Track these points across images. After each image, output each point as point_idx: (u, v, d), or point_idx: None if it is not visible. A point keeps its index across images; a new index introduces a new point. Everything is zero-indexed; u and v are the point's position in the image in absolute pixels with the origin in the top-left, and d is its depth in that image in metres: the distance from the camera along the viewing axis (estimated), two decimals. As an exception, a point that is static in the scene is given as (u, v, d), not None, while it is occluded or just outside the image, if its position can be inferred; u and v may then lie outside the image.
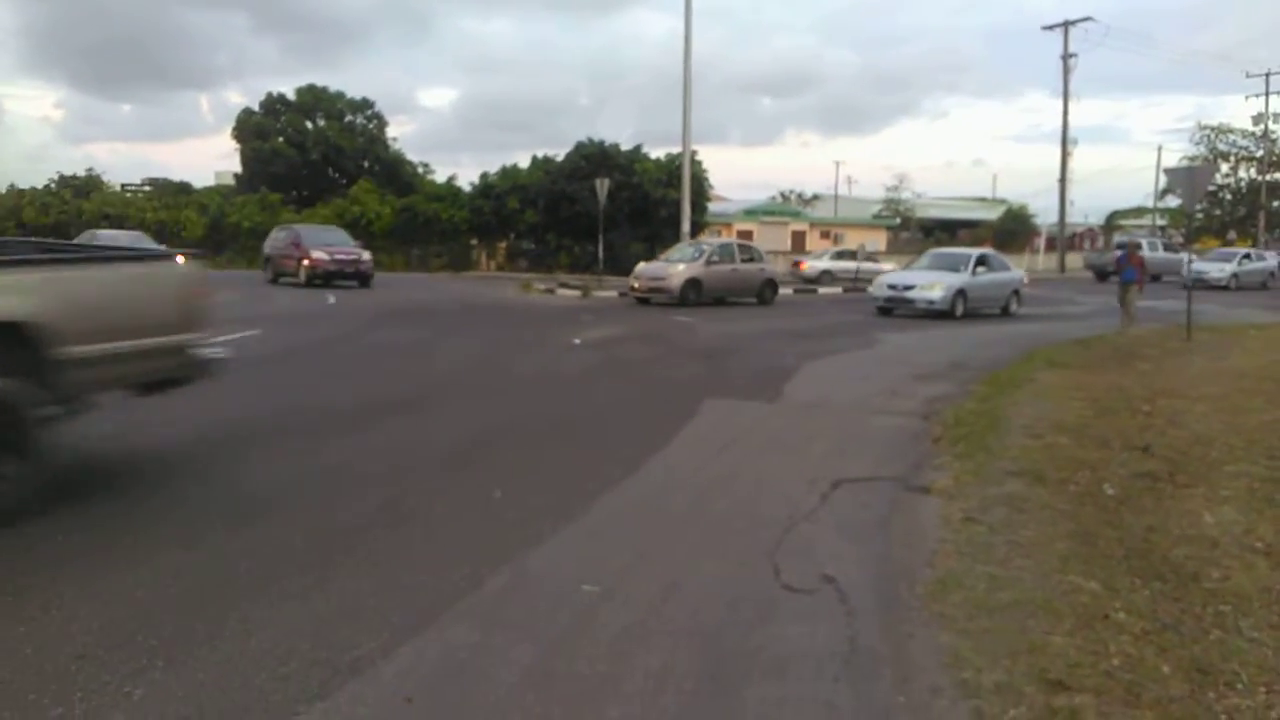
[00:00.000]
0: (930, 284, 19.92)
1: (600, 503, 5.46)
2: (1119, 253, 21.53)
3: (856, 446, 7.30)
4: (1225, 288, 32.20)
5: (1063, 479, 5.88)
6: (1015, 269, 23.92)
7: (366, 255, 28.71)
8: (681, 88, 28.75)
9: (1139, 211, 71.45)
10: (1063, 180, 47.55)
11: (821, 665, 3.41)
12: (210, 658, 3.33)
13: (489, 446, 7.03)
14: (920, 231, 70.34)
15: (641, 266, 24.51)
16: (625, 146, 44.15)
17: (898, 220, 70.04)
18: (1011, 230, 61.97)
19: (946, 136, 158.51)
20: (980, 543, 4.71)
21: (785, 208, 68.56)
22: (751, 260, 24.74)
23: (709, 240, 26.54)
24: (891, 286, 20.74)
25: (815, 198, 78.90)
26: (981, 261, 21.47)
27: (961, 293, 19.98)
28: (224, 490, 5.59)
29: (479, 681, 3.25)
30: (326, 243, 28.71)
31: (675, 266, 23.23)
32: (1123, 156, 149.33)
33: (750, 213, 60.47)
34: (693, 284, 22.53)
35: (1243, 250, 37.96)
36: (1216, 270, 33.51)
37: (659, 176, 41.94)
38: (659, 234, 39.96)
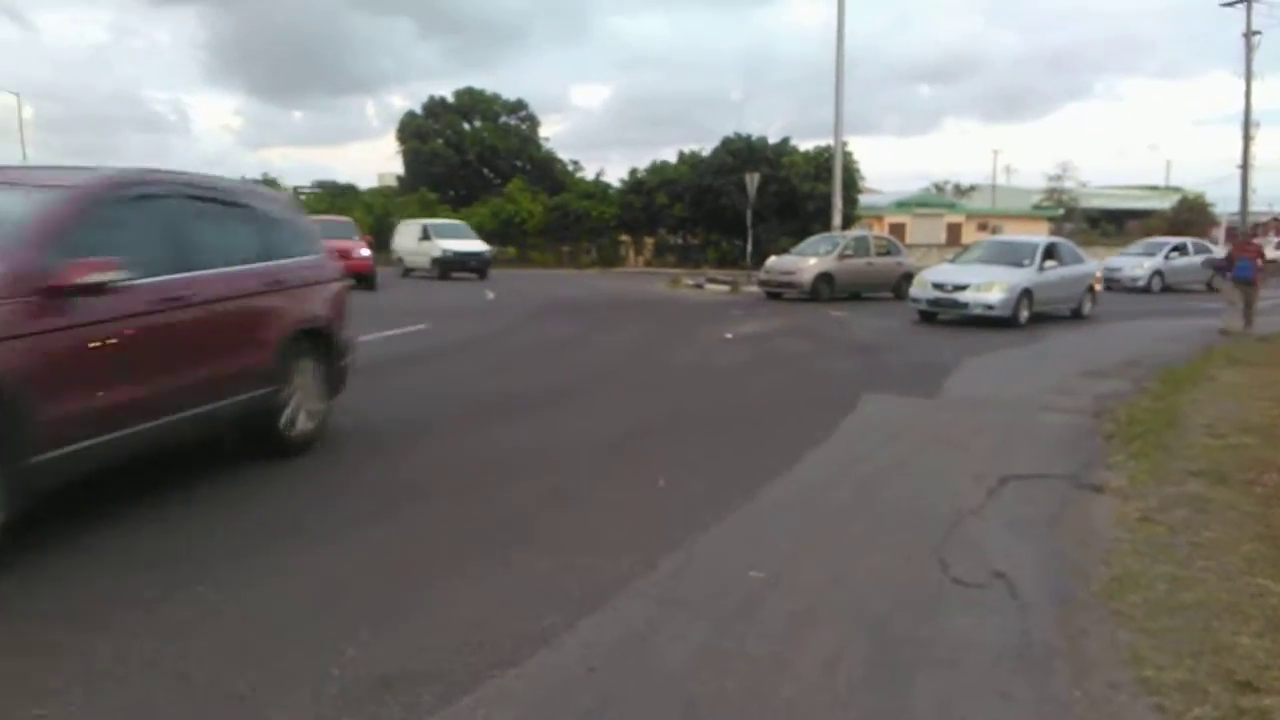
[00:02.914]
0: (988, 283, 16.16)
1: (763, 493, 5.55)
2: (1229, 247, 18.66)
3: (1023, 443, 7.13)
4: (1145, 290, 26.40)
5: (1249, 480, 5.61)
6: (1089, 260, 20.03)
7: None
8: (834, 78, 28.38)
9: (1333, 197, 65.92)
10: (1244, 166, 44.30)
11: (995, 657, 3.41)
12: (409, 624, 3.61)
13: (649, 436, 7.22)
14: (1085, 222, 67.03)
15: (772, 260, 24.01)
16: (774, 140, 43.92)
17: (1060, 211, 66.91)
18: (1187, 220, 58.20)
19: (1118, 121, 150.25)
20: (1159, 543, 4.57)
21: (940, 199, 66.63)
22: (888, 254, 23.81)
23: (843, 233, 25.68)
24: (938, 286, 16.82)
25: (972, 188, 76.29)
26: (1050, 252, 17.64)
27: (1027, 293, 16.31)
28: (407, 472, 5.96)
29: (656, 656, 3.41)
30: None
31: (806, 260, 22.59)
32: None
33: (903, 204, 58.95)
34: (824, 278, 21.90)
35: (1171, 241, 30.43)
36: (1132, 267, 27.18)
37: (807, 170, 41.53)
38: (807, 228, 39.50)
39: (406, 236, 31.74)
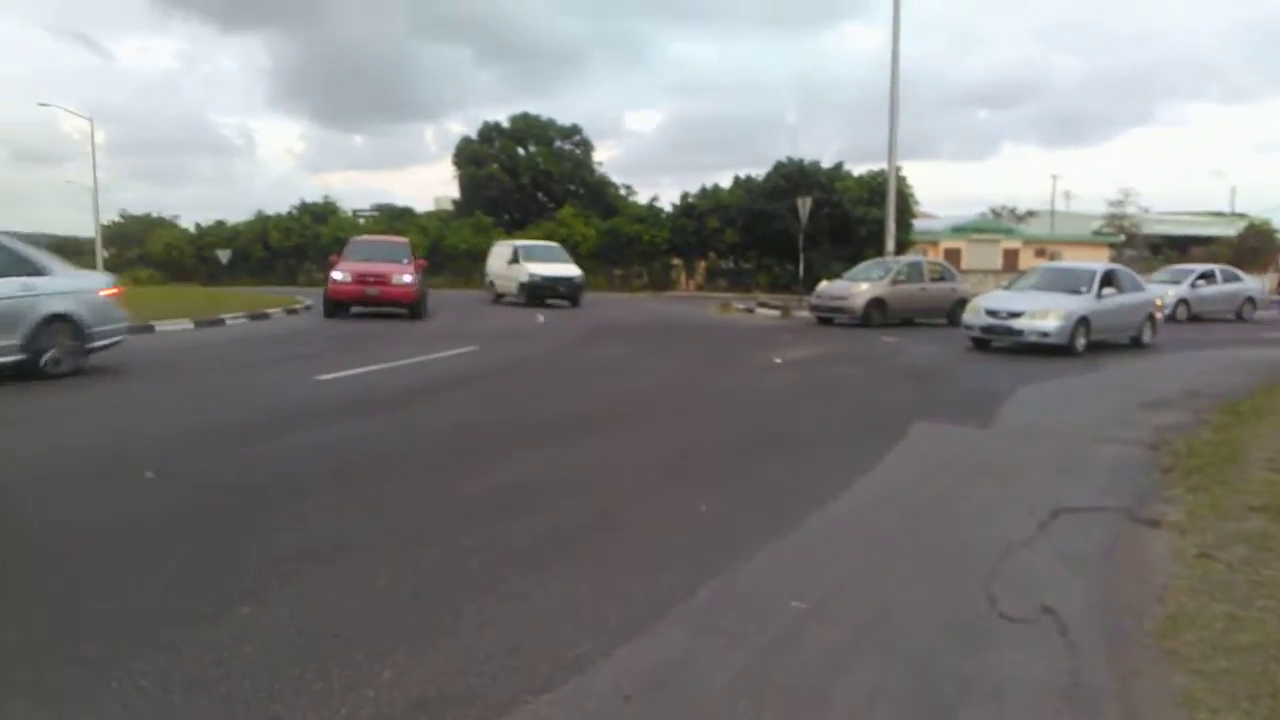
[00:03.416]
0: (1043, 310, 15.77)
1: (808, 520, 5.49)
2: None
3: (1077, 475, 6.97)
4: (1170, 319, 22.05)
5: (1315, 517, 5.41)
6: (1149, 287, 19.56)
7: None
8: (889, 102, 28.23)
9: None
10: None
11: (1041, 697, 3.32)
12: (447, 645, 3.62)
13: (695, 460, 7.19)
14: (1147, 248, 65.66)
15: (824, 285, 23.73)
16: (828, 164, 43.92)
17: (1121, 237, 65.62)
18: (1253, 247, 56.81)
19: (1182, 146, 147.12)
20: (1217, 580, 4.42)
21: (996, 224, 65.70)
22: (942, 279, 23.42)
23: (896, 258, 25.22)
24: (991, 313, 16.41)
25: (1029, 214, 75.17)
26: (1108, 280, 17.10)
27: (1084, 321, 15.87)
28: (450, 491, 5.99)
29: (693, 685, 3.37)
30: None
31: (859, 285, 22.29)
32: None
33: (958, 230, 58.32)
34: (877, 304, 21.61)
35: (1198, 268, 27.47)
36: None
37: (860, 194, 41.37)
38: (860, 253, 39.29)
39: (497, 259, 30.14)
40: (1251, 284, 27.68)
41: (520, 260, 27.93)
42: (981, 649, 3.73)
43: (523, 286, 27.14)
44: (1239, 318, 25.77)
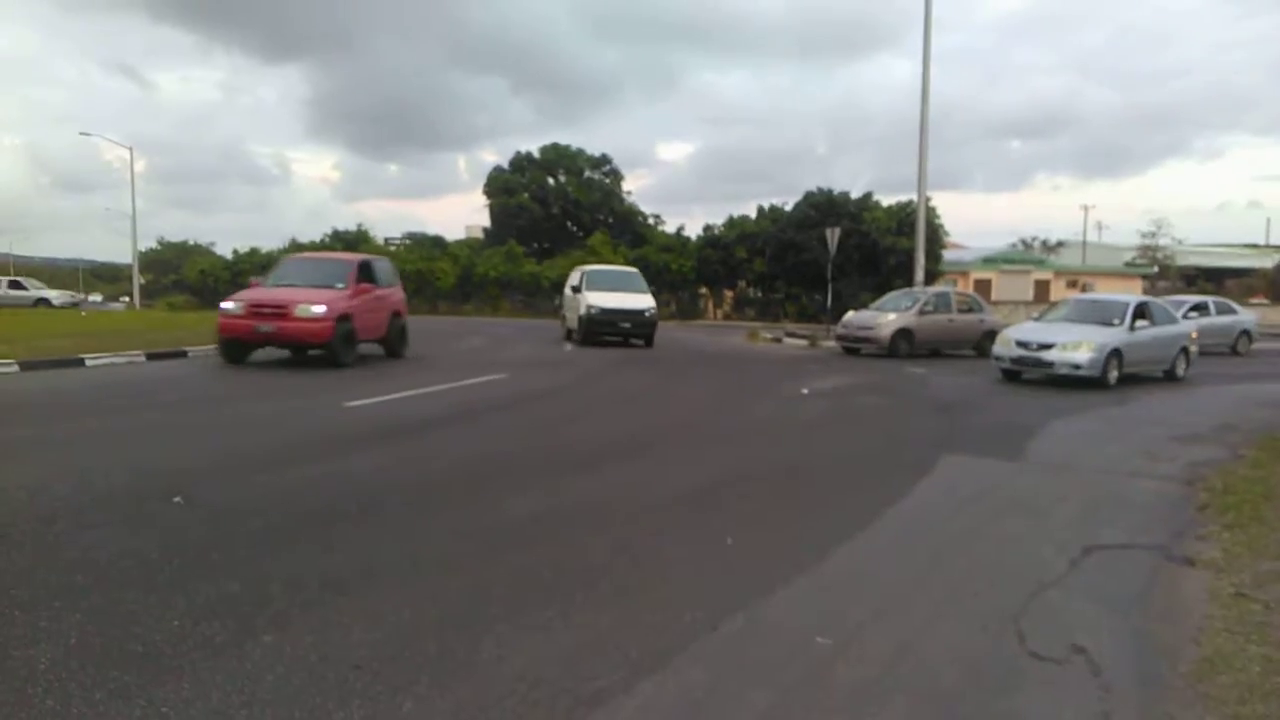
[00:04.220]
0: (1075, 342, 15.54)
1: (834, 554, 5.43)
2: None
3: (1109, 511, 6.85)
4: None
5: (1356, 558, 5.28)
6: (1183, 321, 19.30)
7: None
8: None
9: None
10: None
11: (1072, 739, 3.25)
12: (469, 678, 3.60)
13: (720, 492, 7.14)
14: (1180, 280, 64.96)
15: (850, 315, 23.63)
16: (858, 194, 43.87)
17: (1154, 268, 64.97)
18: (1290, 279, 56.04)
19: (1218, 178, 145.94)
20: (1254, 621, 4.32)
21: (1027, 255, 65.30)
22: (970, 311, 23.22)
23: (924, 289, 24.86)
24: (1022, 344, 16.18)
25: (1060, 244, 74.64)
26: (1141, 312, 16.82)
27: (1116, 353, 15.67)
28: (474, 521, 5.99)
29: (715, 723, 3.33)
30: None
31: (885, 315, 22.18)
32: None
33: (989, 261, 57.99)
34: (903, 334, 21.48)
35: (1190, 299, 26.55)
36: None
37: (889, 224, 41.29)
38: (888, 283, 39.16)
39: (568, 288, 25.63)
40: (1246, 317, 26.99)
41: (583, 288, 23.37)
42: (1011, 689, 3.66)
43: (580, 321, 22.75)
44: (1234, 351, 25.16)
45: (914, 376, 17.38)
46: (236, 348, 15.70)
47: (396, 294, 18.63)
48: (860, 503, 6.76)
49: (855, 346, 22.44)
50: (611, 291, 23.06)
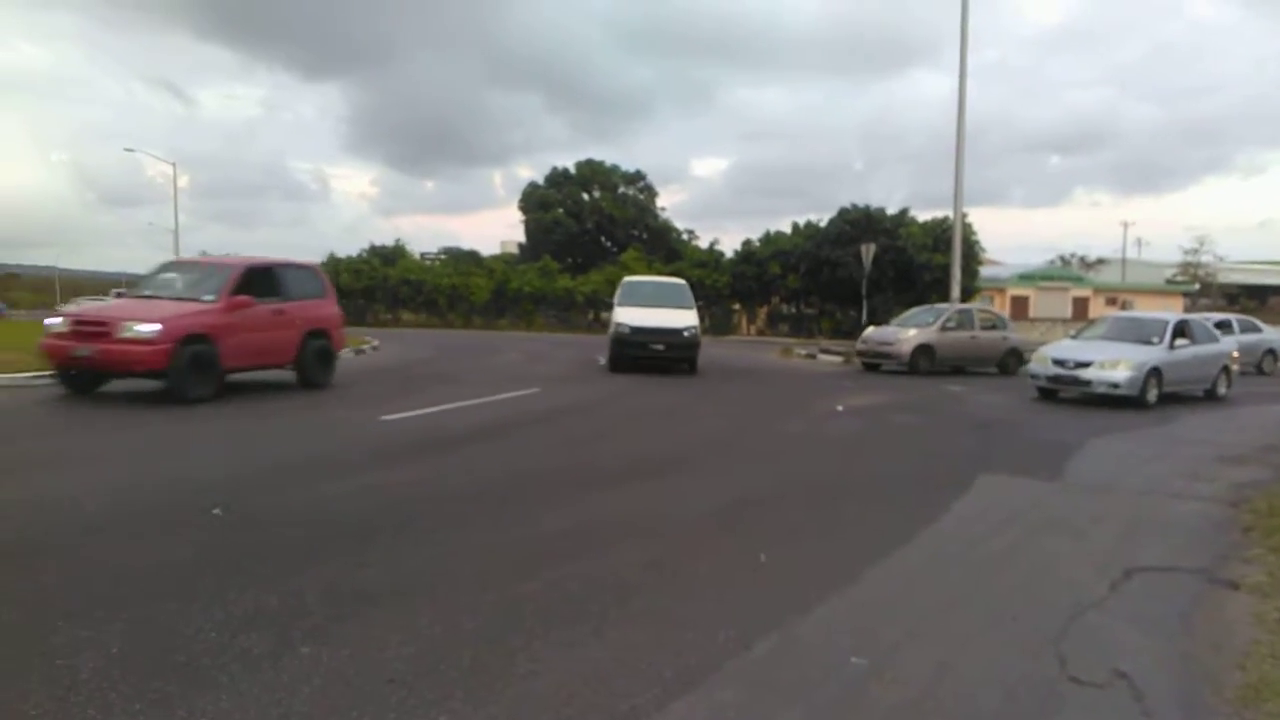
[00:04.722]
0: (1113, 361, 15.32)
1: (869, 573, 5.39)
2: None
3: (1151, 533, 6.74)
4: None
5: None
6: (1224, 339, 18.69)
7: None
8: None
9: None
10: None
11: (1114, 766, 3.19)
12: (502, 693, 3.60)
13: (753, 509, 7.11)
14: (1223, 298, 63.94)
15: (870, 331, 23.36)
16: (893, 210, 43.72)
17: (1196, 286, 64.02)
18: (1337, 296, 54.95)
19: (1261, 194, 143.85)
20: (1303, 648, 4.22)
21: (1065, 272, 64.61)
22: (994, 328, 22.95)
23: (946, 304, 24.57)
24: (1058, 362, 16.01)
25: (1100, 261, 73.79)
26: (1181, 330, 16.58)
27: (1155, 372, 15.43)
28: (507, 536, 6.00)
29: (749, 743, 3.31)
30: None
31: (906, 331, 21.93)
32: None
33: (1026, 277, 57.46)
34: (924, 350, 21.26)
35: (1214, 317, 23.69)
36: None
37: (924, 241, 41.05)
38: (924, 298, 38.90)
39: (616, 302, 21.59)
40: (1272, 335, 26.30)
41: (620, 303, 20.50)
42: (1051, 714, 3.61)
43: (612, 341, 19.77)
44: (1259, 370, 24.57)
45: (950, 394, 17.22)
46: (71, 376, 12.75)
47: (319, 309, 15.29)
48: (896, 521, 6.70)
49: (875, 362, 22.21)
50: (648, 308, 19.81)
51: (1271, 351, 25.43)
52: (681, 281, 22.61)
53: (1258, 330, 26.10)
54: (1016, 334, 23.89)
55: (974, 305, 23.83)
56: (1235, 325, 25.18)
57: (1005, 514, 7.20)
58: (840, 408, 14.48)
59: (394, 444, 9.54)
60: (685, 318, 19.66)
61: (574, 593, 4.86)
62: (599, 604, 4.69)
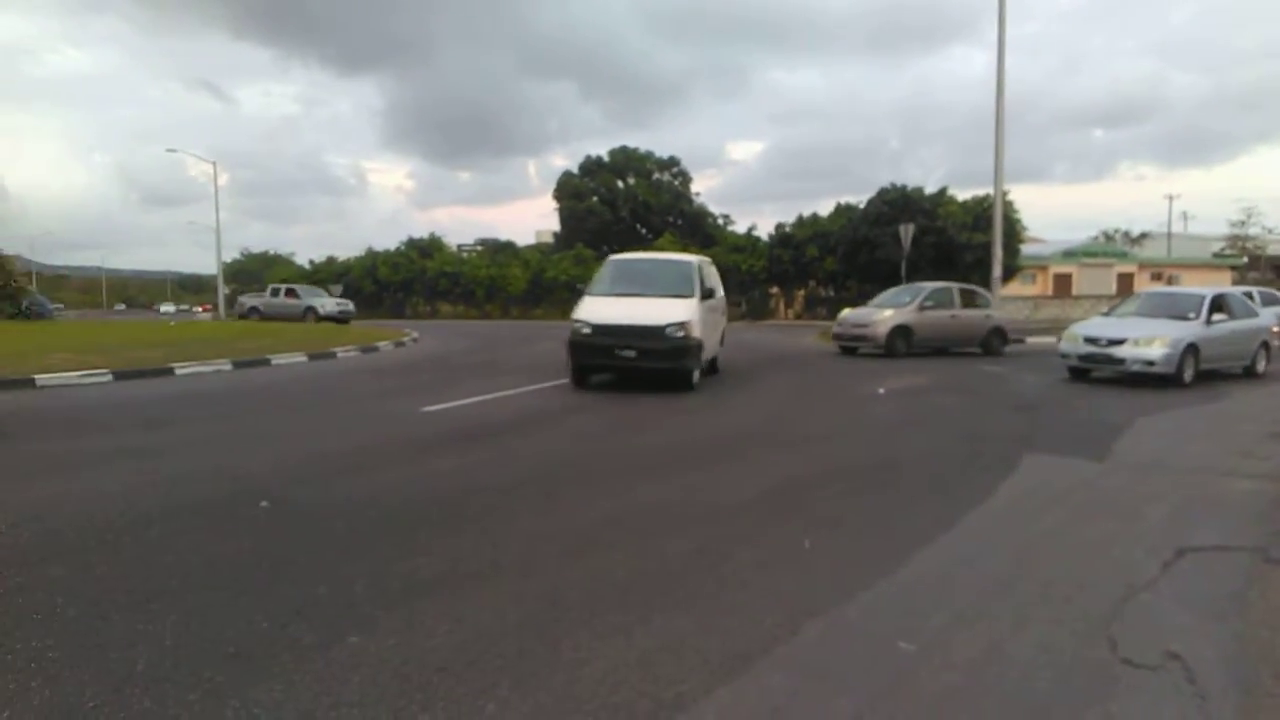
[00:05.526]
0: (1148, 338, 14.84)
1: (915, 558, 5.34)
2: None
3: (1202, 512, 6.61)
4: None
5: None
6: (1264, 312, 18.19)
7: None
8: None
9: None
10: None
11: (1170, 750, 3.14)
12: (549, 681, 3.62)
13: (797, 494, 7.07)
14: (1271, 271, 62.50)
15: (846, 312, 22.83)
16: (932, 189, 43.17)
17: (1244, 259, 62.62)
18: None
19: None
20: (1364, 629, 4.13)
21: (1109, 248, 63.51)
22: (975, 306, 22.33)
23: (924, 284, 23.66)
24: (1090, 340, 15.54)
25: (1144, 236, 72.44)
26: (1218, 305, 15.95)
27: (1192, 348, 14.89)
28: (551, 524, 6.03)
29: (798, 729, 3.30)
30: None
31: (882, 312, 21.38)
32: None
33: (1069, 254, 56.54)
34: (901, 331, 20.74)
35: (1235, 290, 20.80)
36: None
37: (964, 220, 40.51)
38: (966, 279, 38.43)
39: None
40: None
41: (591, 291, 15.10)
42: (1103, 697, 3.55)
43: (568, 347, 13.93)
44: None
45: (991, 374, 17.03)
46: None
47: None
48: (942, 504, 6.64)
49: (852, 345, 21.62)
50: (625, 297, 14.31)
51: None
52: (688, 259, 15.96)
53: (1278, 303, 24.62)
54: (1001, 313, 23.25)
55: (955, 284, 22.90)
56: (1258, 298, 23.16)
57: (1053, 495, 7.10)
58: (881, 390, 14.37)
59: (436, 434, 9.62)
60: (675, 310, 13.63)
61: (618, 580, 4.87)
62: (643, 591, 4.70)
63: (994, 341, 22.11)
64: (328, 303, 40.87)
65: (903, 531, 5.89)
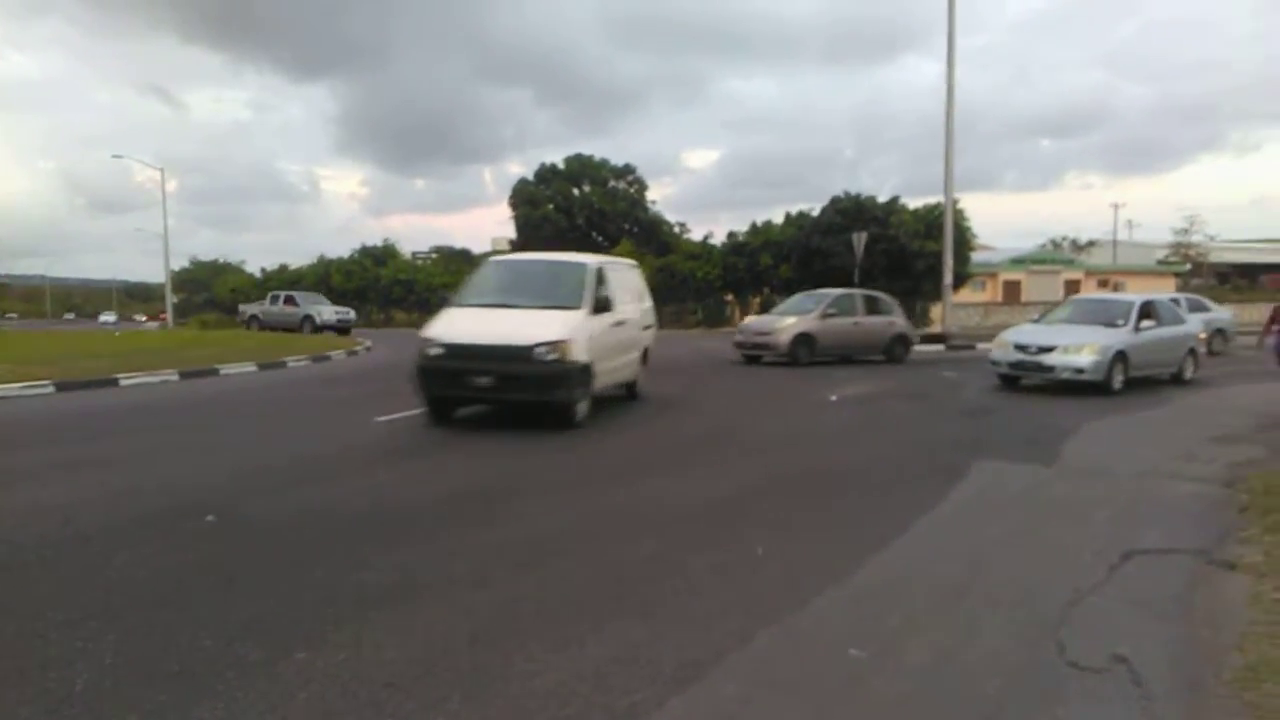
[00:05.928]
0: (1077, 345, 14.71)
1: (866, 564, 5.37)
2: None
3: (1148, 515, 6.74)
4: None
5: (1405, 560, 5.15)
6: (1191, 319, 18.17)
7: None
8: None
9: None
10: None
11: (1116, 752, 3.18)
12: (502, 693, 3.58)
13: (750, 502, 7.08)
14: (1214, 277, 64.12)
15: (747, 320, 22.64)
16: (885, 198, 43.67)
17: (1187, 266, 64.16)
18: (1328, 274, 55.19)
19: (1255, 172, 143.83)
20: (1302, 628, 4.22)
21: (1056, 255, 64.75)
22: (879, 313, 22.15)
23: (827, 290, 23.27)
24: (1020, 348, 15.27)
25: (1091, 244, 73.92)
26: (1147, 312, 15.85)
27: (1121, 356, 14.81)
28: (509, 533, 5.97)
29: (750, 738, 3.29)
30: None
31: (784, 320, 21.16)
32: None
33: (1017, 261, 57.58)
34: (803, 339, 20.51)
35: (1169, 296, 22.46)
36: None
37: (916, 228, 41.01)
38: (917, 287, 39.00)
39: None
40: (1221, 314, 26.02)
41: (456, 301, 12.20)
42: (1051, 700, 3.59)
43: (416, 372, 10.87)
44: (1209, 350, 23.58)
45: (945, 381, 17.24)
46: None
47: None
48: (893, 511, 6.69)
49: (755, 354, 21.22)
50: (490, 309, 11.43)
51: (1221, 331, 24.98)
52: (582, 260, 12.59)
53: (1205, 309, 25.44)
54: (903, 320, 23.02)
55: (858, 291, 22.69)
56: (1184, 304, 23.33)
57: (1002, 500, 7.20)
58: (834, 397, 14.48)
59: (388, 446, 9.52)
60: (549, 326, 10.60)
61: (572, 590, 4.84)
62: (597, 600, 4.67)
63: (897, 349, 22.06)
64: (325, 311, 39.58)
65: (855, 538, 5.93)
